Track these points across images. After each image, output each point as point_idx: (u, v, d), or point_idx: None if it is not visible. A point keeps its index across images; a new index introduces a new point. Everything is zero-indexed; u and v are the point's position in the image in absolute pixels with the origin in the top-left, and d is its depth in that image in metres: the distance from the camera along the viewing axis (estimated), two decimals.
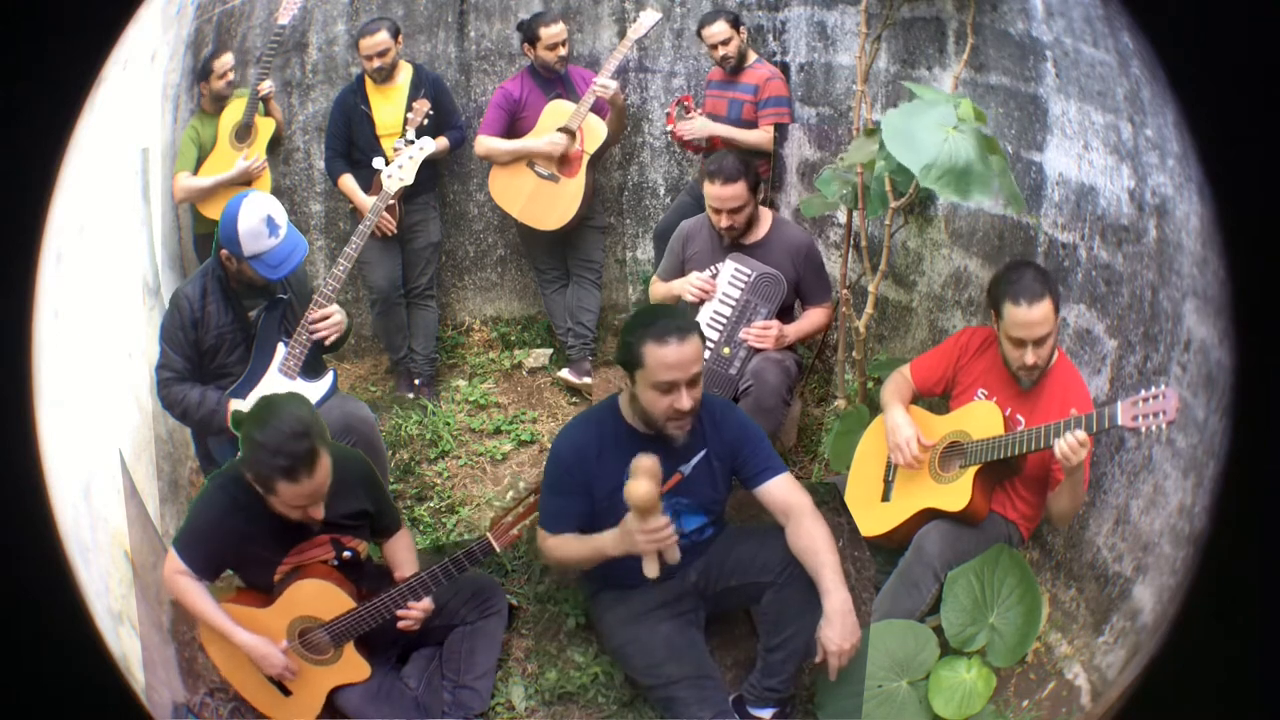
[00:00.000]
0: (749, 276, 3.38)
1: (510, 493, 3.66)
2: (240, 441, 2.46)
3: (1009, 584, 2.64)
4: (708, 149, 4.19)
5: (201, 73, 3.89)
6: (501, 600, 2.82)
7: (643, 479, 2.39)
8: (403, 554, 2.78)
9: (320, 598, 2.58)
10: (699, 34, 4.19)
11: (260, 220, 2.87)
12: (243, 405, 2.94)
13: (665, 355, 2.45)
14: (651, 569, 2.46)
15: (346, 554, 2.66)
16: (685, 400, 2.49)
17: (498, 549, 2.61)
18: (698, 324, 2.70)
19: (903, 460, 2.82)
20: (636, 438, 2.62)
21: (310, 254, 4.48)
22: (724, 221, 3.39)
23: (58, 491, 1.79)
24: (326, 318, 3.06)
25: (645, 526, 2.41)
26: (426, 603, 2.60)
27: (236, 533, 2.55)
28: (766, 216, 3.50)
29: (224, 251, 2.92)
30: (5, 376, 1.64)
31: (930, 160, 2.46)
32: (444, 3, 4.48)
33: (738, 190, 3.34)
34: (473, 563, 2.61)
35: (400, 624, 2.59)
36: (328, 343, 3.09)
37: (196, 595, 2.56)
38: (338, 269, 3.22)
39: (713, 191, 3.37)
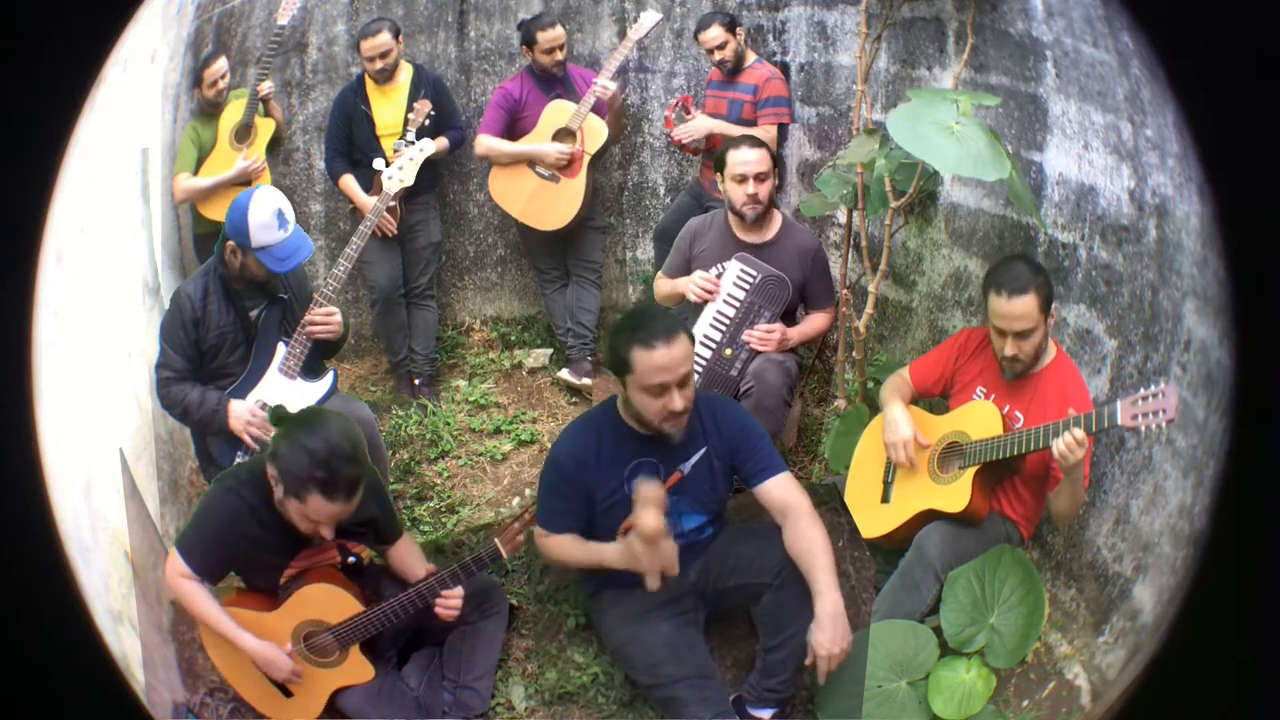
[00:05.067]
0: (754, 278, 3.37)
1: (517, 499, 3.66)
2: (277, 439, 2.42)
3: (1010, 584, 2.64)
4: (707, 149, 4.19)
5: (194, 80, 3.90)
6: (501, 601, 2.83)
7: (650, 509, 2.44)
8: (411, 557, 2.78)
9: (328, 601, 2.58)
10: (695, 38, 4.19)
11: (271, 213, 2.89)
12: (241, 407, 2.95)
13: (654, 359, 2.45)
14: (653, 583, 2.49)
15: (351, 559, 2.67)
16: (677, 401, 2.49)
17: (505, 555, 2.63)
18: (683, 323, 2.68)
19: (899, 458, 2.82)
20: (636, 438, 2.62)
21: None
22: (750, 188, 3.33)
23: (58, 491, 1.79)
24: (329, 315, 3.06)
25: (652, 552, 2.45)
26: (459, 590, 2.60)
27: (245, 537, 2.53)
28: (776, 217, 3.49)
29: (230, 244, 2.93)
30: (5, 376, 1.64)
31: (943, 152, 2.47)
32: (444, 3, 4.48)
33: (763, 155, 3.35)
34: (480, 569, 2.63)
35: (444, 615, 2.61)
36: (321, 339, 3.08)
37: (200, 598, 2.54)
38: (338, 269, 3.23)
39: (738, 156, 3.34)
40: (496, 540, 2.62)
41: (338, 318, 3.09)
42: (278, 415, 2.49)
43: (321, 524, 2.42)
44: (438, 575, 2.59)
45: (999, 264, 2.73)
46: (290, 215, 2.97)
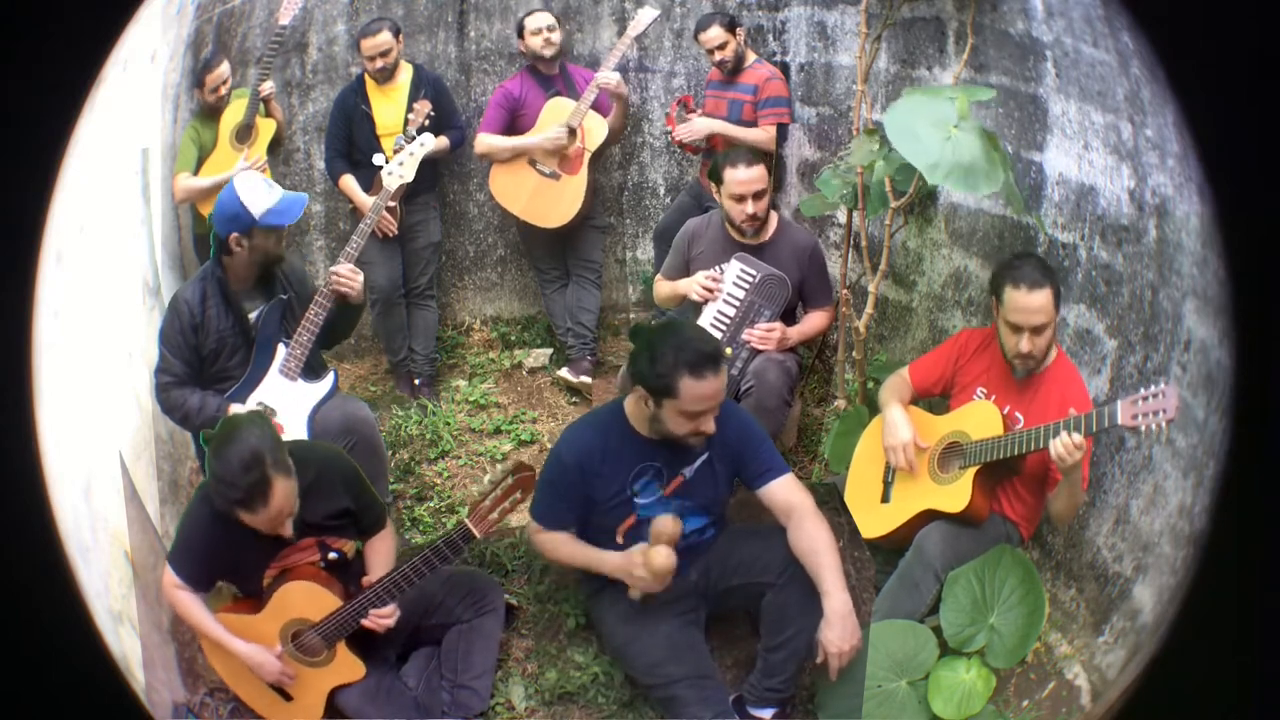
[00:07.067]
0: (754, 278, 3.37)
1: (487, 477, 3.65)
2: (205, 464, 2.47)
3: (1010, 585, 2.64)
4: (708, 149, 4.19)
5: (195, 83, 3.90)
6: (498, 598, 2.81)
7: (664, 547, 2.50)
8: (380, 555, 2.74)
9: (308, 599, 2.58)
10: (695, 39, 4.19)
11: (256, 183, 2.95)
12: (239, 410, 2.94)
13: (702, 389, 2.44)
14: (635, 594, 2.57)
15: (333, 555, 2.66)
16: (711, 424, 2.51)
17: (478, 535, 2.54)
18: (722, 346, 2.69)
19: (898, 462, 2.82)
20: (641, 442, 2.62)
21: (310, 254, 4.49)
22: (750, 208, 3.33)
23: (58, 491, 1.79)
24: (354, 273, 3.05)
25: (655, 582, 2.52)
26: (390, 609, 2.59)
27: (222, 542, 2.55)
28: (774, 217, 3.49)
29: (233, 236, 2.91)
30: (5, 376, 1.64)
31: (935, 160, 2.46)
32: (444, 3, 4.48)
33: (760, 172, 3.33)
34: (454, 551, 2.55)
35: (370, 627, 2.58)
36: (343, 296, 3.06)
37: (193, 608, 2.58)
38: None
39: (736, 176, 3.31)
40: (467, 520, 2.55)
41: (361, 278, 3.07)
42: (205, 439, 2.55)
43: (275, 527, 2.47)
44: (411, 563, 2.55)
45: (1013, 260, 2.73)
46: (271, 180, 3.05)
